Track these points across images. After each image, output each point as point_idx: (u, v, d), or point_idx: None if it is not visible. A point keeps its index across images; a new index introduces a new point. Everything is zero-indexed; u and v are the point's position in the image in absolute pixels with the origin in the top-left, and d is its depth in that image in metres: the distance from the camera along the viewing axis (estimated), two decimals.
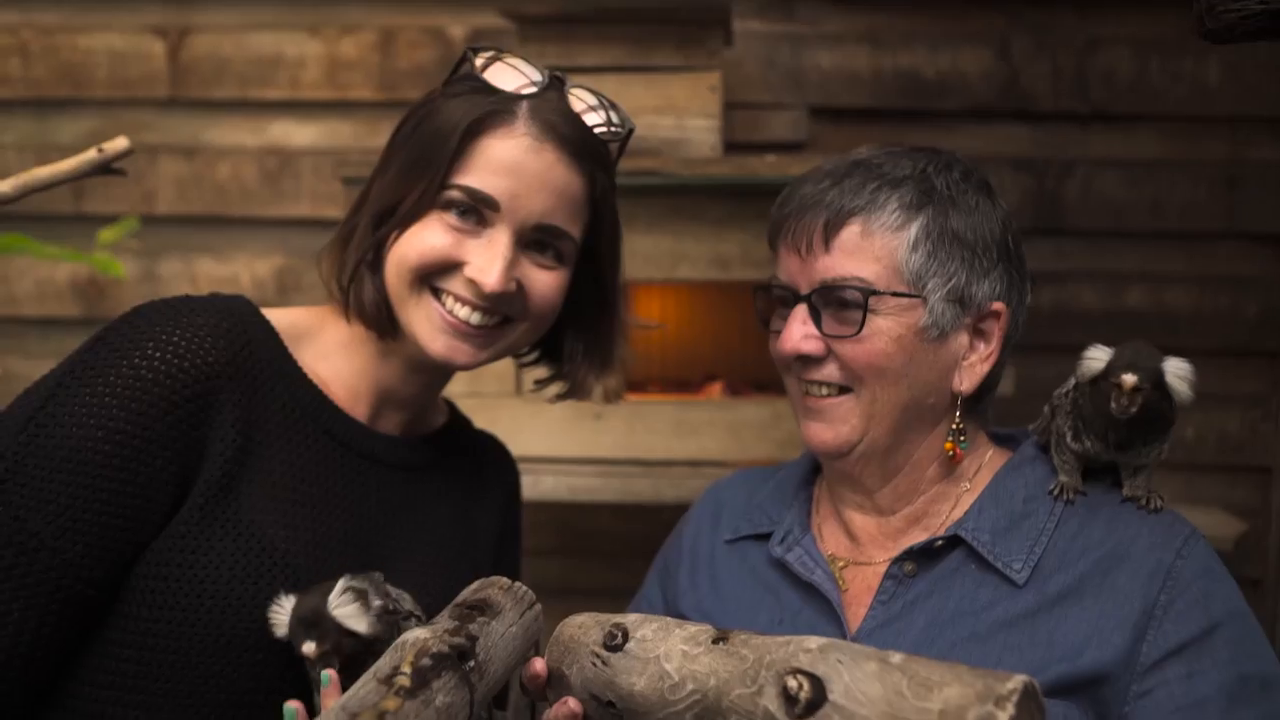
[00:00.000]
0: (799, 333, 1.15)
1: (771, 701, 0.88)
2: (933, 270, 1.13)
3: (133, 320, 1.05)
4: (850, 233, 1.13)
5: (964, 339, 1.16)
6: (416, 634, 0.91)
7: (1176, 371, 1.06)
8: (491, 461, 1.40)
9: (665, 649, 0.96)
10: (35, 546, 0.95)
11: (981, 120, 2.33)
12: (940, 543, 1.13)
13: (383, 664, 0.88)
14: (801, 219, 1.15)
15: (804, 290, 1.16)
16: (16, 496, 0.95)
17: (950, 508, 1.19)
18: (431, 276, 1.11)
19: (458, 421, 1.37)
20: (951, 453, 1.18)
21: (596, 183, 1.16)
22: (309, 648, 0.96)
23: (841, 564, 1.21)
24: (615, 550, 2.31)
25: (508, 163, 1.08)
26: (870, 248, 1.13)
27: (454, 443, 1.33)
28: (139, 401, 1.00)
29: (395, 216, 1.12)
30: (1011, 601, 1.08)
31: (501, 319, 1.14)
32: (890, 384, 1.14)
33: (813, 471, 1.32)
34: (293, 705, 0.92)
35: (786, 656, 0.89)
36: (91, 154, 1.13)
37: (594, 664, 0.99)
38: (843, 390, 1.16)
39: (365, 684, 0.85)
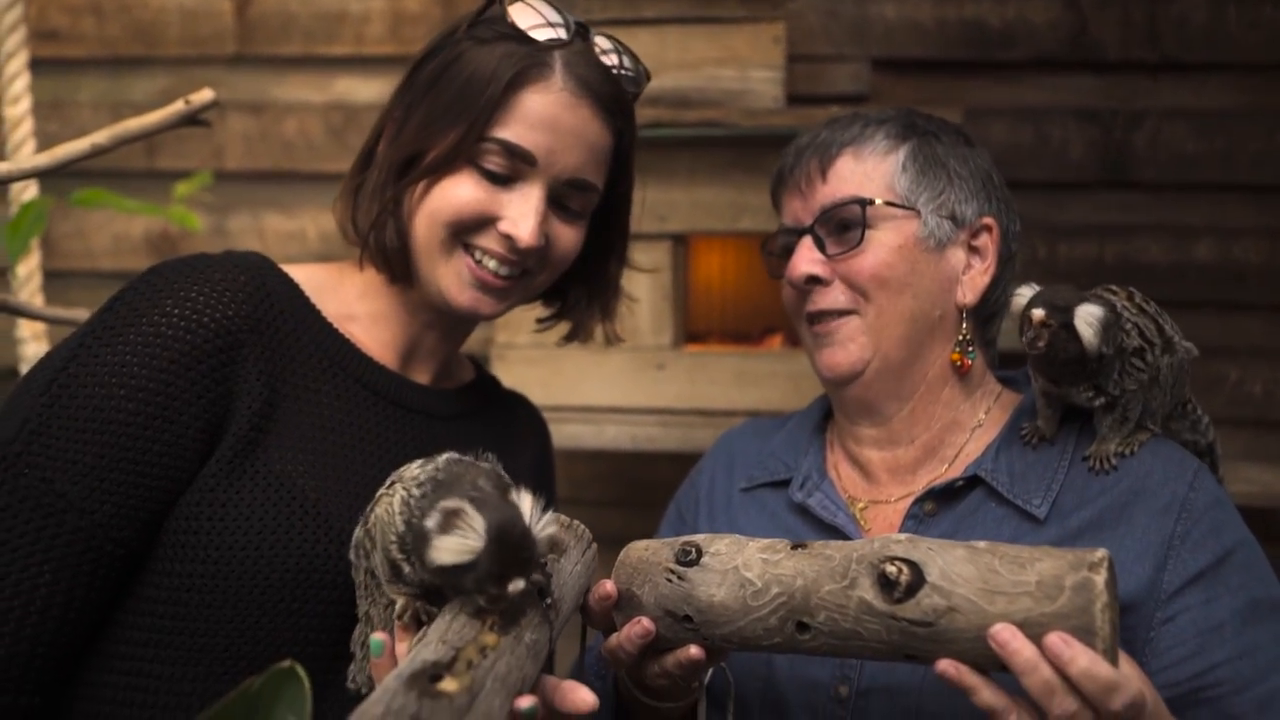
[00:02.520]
0: (805, 259, 1.23)
1: (867, 591, 0.92)
2: (923, 187, 1.23)
3: (151, 279, 1.05)
4: (844, 161, 1.24)
5: (960, 255, 1.25)
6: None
7: (1085, 316, 1.08)
8: (522, 418, 1.41)
9: (743, 559, 1.00)
10: (63, 508, 0.95)
11: (1047, 70, 2.29)
12: (960, 483, 1.18)
13: (465, 600, 0.86)
14: (799, 162, 1.27)
15: (807, 222, 1.25)
16: (43, 459, 0.96)
17: (964, 440, 1.23)
18: (464, 232, 1.12)
19: (485, 378, 1.39)
20: (959, 363, 1.24)
21: (624, 136, 1.18)
22: (517, 585, 0.83)
23: (861, 505, 1.25)
24: (668, 498, 2.33)
25: (545, 118, 1.09)
26: (863, 170, 1.24)
27: (483, 397, 1.34)
28: (160, 359, 1.00)
29: (421, 165, 1.11)
30: (1035, 536, 1.12)
31: (523, 271, 1.16)
32: (894, 294, 1.21)
33: (824, 418, 1.37)
34: (380, 637, 0.92)
35: (878, 549, 0.94)
36: (178, 105, 1.17)
37: (669, 580, 1.02)
38: (846, 312, 1.23)
39: (454, 617, 0.84)
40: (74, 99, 2.57)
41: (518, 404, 1.43)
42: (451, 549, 0.81)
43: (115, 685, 1.01)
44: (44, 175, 1.10)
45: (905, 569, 0.91)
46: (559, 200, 1.14)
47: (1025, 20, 2.28)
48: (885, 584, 0.91)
